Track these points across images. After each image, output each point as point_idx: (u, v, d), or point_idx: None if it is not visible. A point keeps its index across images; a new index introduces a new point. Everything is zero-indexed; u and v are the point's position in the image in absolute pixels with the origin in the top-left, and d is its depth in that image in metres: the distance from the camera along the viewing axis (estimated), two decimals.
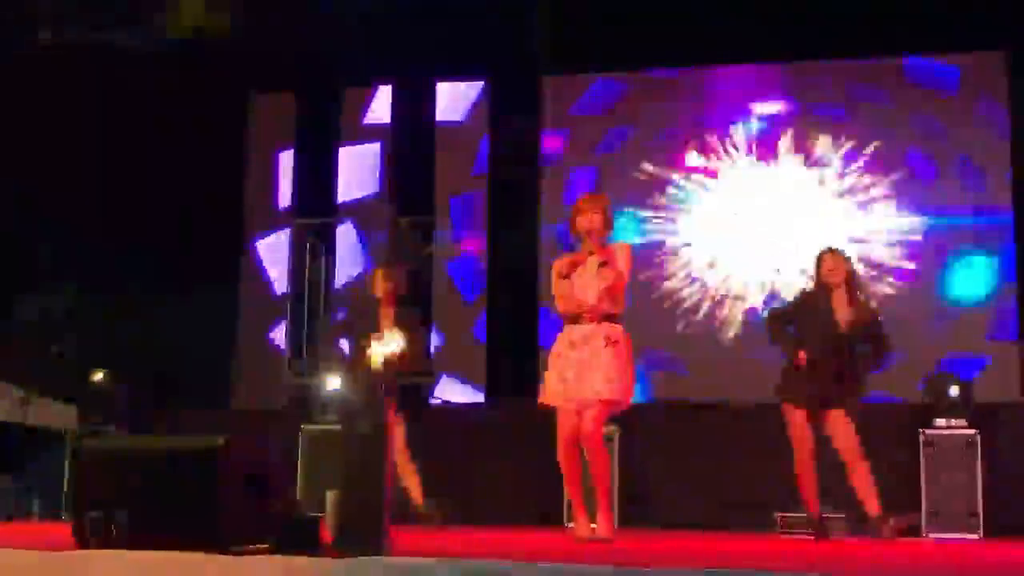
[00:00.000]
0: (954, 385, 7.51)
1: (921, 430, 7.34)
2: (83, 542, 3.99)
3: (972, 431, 7.29)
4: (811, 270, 6.68)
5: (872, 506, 6.38)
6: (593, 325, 5.47)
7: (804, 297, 6.69)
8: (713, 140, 9.10)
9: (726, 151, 9.08)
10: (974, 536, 7.06)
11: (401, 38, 9.11)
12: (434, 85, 9.60)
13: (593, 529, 5.48)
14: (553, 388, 5.52)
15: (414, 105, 9.62)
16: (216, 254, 9.59)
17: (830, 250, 6.66)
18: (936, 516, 7.17)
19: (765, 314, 6.99)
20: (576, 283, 5.54)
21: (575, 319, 5.52)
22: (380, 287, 6.96)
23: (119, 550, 3.83)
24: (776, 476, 7.58)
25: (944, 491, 7.21)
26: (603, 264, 5.48)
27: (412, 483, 7.01)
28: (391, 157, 9.64)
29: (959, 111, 8.61)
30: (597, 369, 5.40)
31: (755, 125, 9.04)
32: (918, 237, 8.60)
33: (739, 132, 9.08)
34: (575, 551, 4.75)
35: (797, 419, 6.44)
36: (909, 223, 8.66)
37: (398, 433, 6.87)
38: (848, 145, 8.84)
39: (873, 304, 7.06)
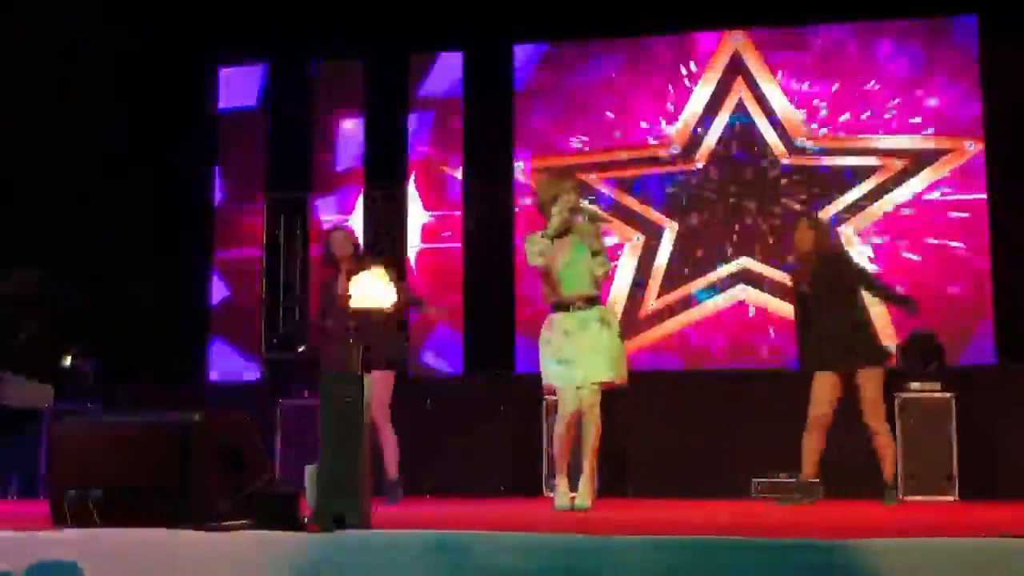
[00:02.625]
0: (924, 337, 7.54)
1: (896, 394, 7.39)
2: (61, 520, 3.98)
3: (947, 395, 7.34)
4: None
5: (886, 473, 6.57)
6: (586, 311, 5.57)
7: (797, 267, 6.92)
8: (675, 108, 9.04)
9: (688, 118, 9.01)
10: (950, 498, 7.12)
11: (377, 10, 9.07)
12: (410, 58, 9.50)
13: (572, 498, 5.51)
14: (552, 373, 5.60)
15: (389, 79, 9.52)
16: (189, 226, 9.52)
17: (799, 220, 6.94)
18: (912, 479, 7.23)
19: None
20: (562, 265, 5.59)
21: (567, 307, 5.58)
22: (338, 249, 6.91)
23: (97, 528, 3.82)
24: (752, 442, 7.65)
25: (920, 454, 7.26)
26: (596, 253, 5.57)
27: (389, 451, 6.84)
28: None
29: (933, 76, 8.59)
30: (598, 353, 5.51)
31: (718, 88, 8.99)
32: (890, 206, 8.59)
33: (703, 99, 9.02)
34: (556, 521, 4.76)
35: (821, 383, 6.57)
36: (879, 191, 8.64)
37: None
38: (818, 110, 8.79)
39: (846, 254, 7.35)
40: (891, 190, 8.56)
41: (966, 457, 7.23)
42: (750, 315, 8.71)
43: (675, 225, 8.99)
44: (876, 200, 8.60)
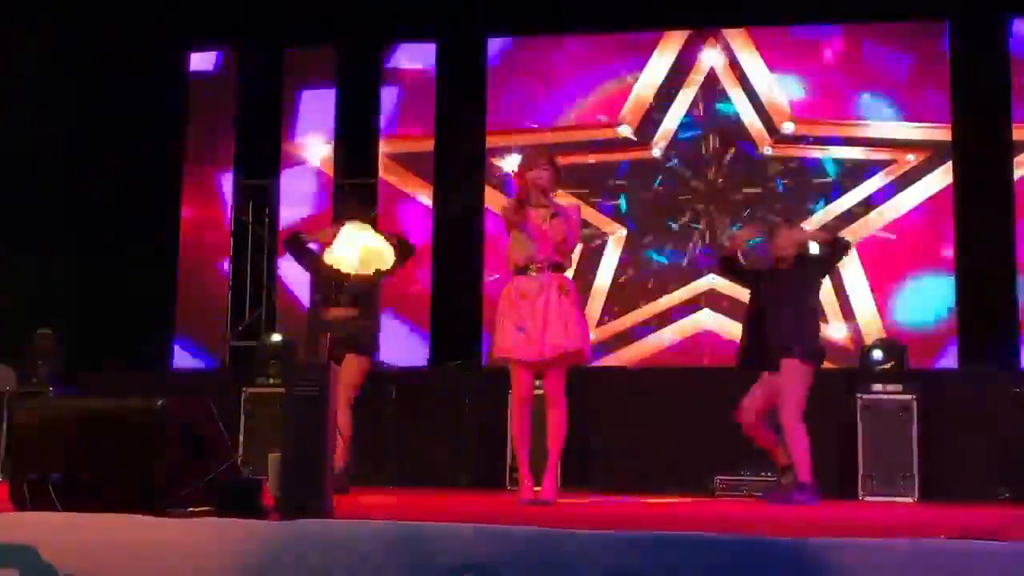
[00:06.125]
0: (877, 350, 7.57)
1: (859, 395, 7.44)
2: (20, 505, 3.94)
3: (909, 396, 7.40)
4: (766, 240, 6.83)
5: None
6: (544, 275, 5.46)
7: (759, 272, 6.80)
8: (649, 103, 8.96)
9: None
10: (908, 499, 7.18)
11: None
12: (383, 46, 9.46)
13: (536, 492, 5.49)
14: (508, 341, 5.46)
15: (362, 65, 9.49)
16: (155, 210, 9.46)
17: (786, 222, 6.76)
18: (872, 479, 7.28)
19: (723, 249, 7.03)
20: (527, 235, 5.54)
21: (524, 270, 5.51)
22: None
23: (56, 512, 3.79)
24: (715, 439, 7.67)
25: (881, 455, 7.31)
26: (555, 215, 5.49)
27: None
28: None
29: (905, 79, 8.63)
30: (557, 319, 5.38)
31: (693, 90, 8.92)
32: (858, 209, 8.62)
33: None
34: (519, 514, 4.77)
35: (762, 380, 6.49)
36: (847, 190, 8.66)
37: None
38: (791, 111, 8.79)
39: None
40: (856, 186, 8.53)
41: (926, 459, 7.29)
42: (714, 348, 8.21)
43: (622, 231, 8.66)
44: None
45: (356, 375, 6.58)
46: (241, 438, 7.79)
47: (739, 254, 6.90)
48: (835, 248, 6.66)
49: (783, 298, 6.48)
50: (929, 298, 8.37)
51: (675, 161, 8.71)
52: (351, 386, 6.56)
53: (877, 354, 7.56)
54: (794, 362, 6.36)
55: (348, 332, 6.58)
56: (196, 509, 3.77)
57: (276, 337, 8.25)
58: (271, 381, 7.93)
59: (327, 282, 6.67)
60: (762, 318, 6.55)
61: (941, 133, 8.50)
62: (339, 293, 6.65)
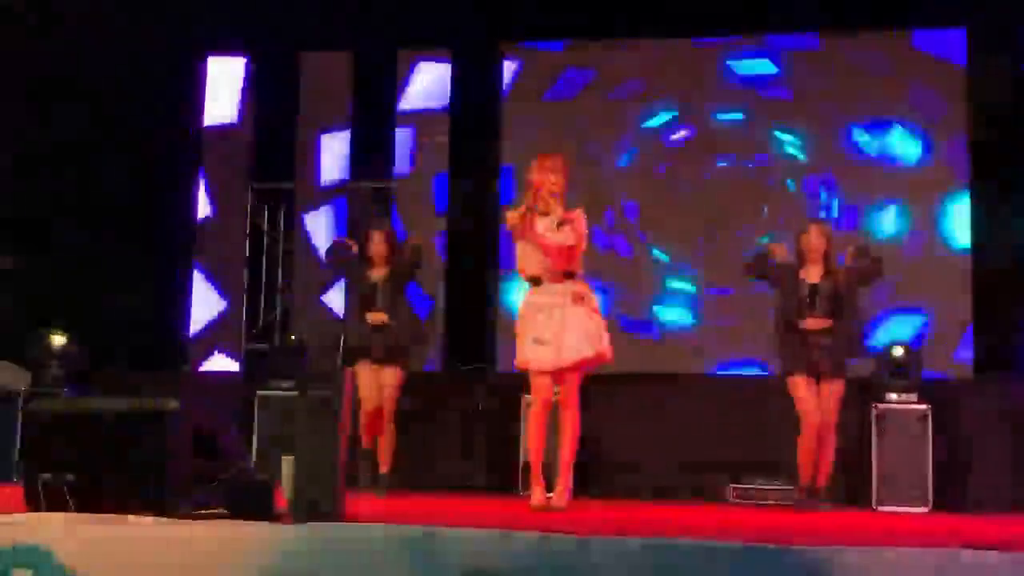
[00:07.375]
0: (898, 347, 7.53)
1: (874, 404, 7.41)
2: (34, 505, 3.96)
3: (924, 406, 7.36)
4: (793, 238, 6.81)
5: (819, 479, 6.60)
6: (558, 284, 5.46)
7: (780, 267, 6.77)
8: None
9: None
10: (922, 509, 7.15)
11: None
12: (396, 56, 9.47)
13: (548, 498, 5.48)
14: (528, 352, 5.46)
15: (378, 70, 9.50)
16: (171, 212, 9.49)
17: (815, 221, 6.85)
18: (886, 488, 7.25)
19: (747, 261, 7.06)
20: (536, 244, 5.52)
21: (537, 281, 5.49)
22: (374, 248, 6.99)
23: (70, 513, 3.81)
24: (728, 447, 7.67)
25: (895, 465, 7.28)
26: (562, 223, 5.45)
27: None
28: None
29: (920, 88, 8.62)
30: (573, 329, 5.37)
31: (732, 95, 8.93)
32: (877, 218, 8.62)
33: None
34: (530, 519, 4.76)
35: (801, 390, 6.52)
36: (867, 204, 8.67)
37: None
38: (804, 119, 8.80)
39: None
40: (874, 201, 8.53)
41: (941, 468, 7.26)
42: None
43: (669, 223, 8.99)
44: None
45: (394, 388, 6.96)
46: (255, 441, 7.81)
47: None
48: (873, 264, 6.69)
49: (829, 309, 6.56)
50: (943, 307, 8.34)
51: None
52: (390, 399, 6.95)
53: (897, 351, 7.48)
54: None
55: (387, 336, 6.89)
56: (209, 511, 3.78)
57: (291, 340, 8.30)
58: (285, 384, 7.94)
59: (369, 287, 6.85)
60: (804, 321, 6.56)
61: (956, 138, 8.49)
62: (375, 296, 6.93)
